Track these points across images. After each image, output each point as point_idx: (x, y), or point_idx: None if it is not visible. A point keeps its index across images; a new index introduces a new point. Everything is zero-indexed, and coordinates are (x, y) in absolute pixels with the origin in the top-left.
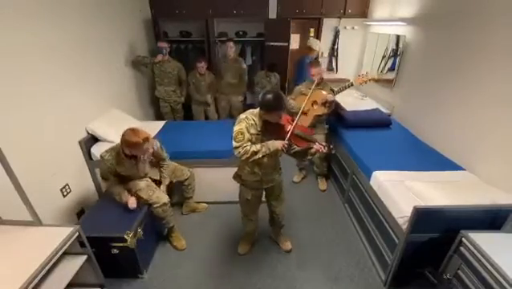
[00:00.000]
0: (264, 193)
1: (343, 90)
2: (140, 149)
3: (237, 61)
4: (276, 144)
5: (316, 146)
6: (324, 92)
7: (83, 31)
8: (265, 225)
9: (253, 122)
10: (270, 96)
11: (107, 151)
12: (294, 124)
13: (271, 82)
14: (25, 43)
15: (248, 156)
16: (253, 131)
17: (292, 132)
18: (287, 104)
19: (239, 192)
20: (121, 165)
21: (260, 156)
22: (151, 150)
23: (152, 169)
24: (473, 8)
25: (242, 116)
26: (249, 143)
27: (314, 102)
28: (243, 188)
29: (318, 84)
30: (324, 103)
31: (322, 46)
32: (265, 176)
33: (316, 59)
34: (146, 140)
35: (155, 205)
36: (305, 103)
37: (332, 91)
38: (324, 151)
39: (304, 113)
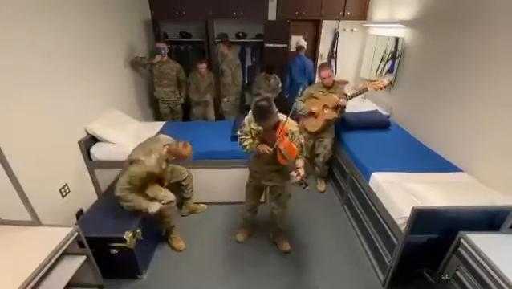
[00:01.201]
0: (268, 191)
1: (356, 95)
2: (180, 159)
3: (235, 60)
4: (259, 147)
5: (292, 173)
6: (335, 96)
7: (82, 31)
8: (264, 226)
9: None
10: (254, 107)
11: (148, 156)
12: (281, 138)
13: (270, 84)
14: (24, 43)
15: (242, 146)
16: (253, 126)
17: (278, 146)
18: (271, 116)
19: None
20: (159, 168)
21: (246, 149)
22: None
23: None
24: (473, 10)
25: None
26: (248, 136)
27: (325, 106)
28: (249, 173)
29: (329, 88)
30: (336, 108)
31: (321, 47)
32: (263, 171)
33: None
34: (189, 155)
35: (162, 202)
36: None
37: (345, 95)
38: (295, 181)
39: (314, 116)
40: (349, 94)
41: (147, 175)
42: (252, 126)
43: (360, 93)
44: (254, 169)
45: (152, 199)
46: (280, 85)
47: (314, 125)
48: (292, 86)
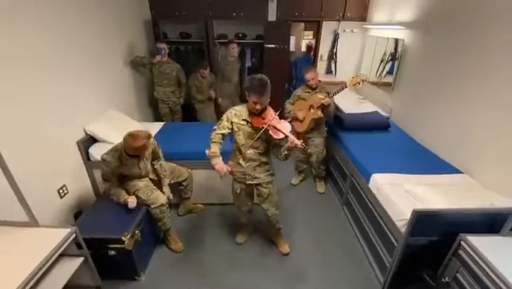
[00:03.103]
0: (256, 194)
1: (337, 92)
2: (144, 150)
3: (238, 62)
4: (215, 162)
5: (290, 139)
6: (320, 96)
7: (82, 31)
8: (264, 227)
9: (237, 112)
10: (250, 78)
11: (108, 153)
12: (273, 117)
13: None
14: (24, 44)
15: (210, 142)
16: (235, 120)
17: (270, 124)
18: (263, 92)
19: (232, 184)
20: (123, 165)
21: (206, 152)
22: (151, 148)
23: (151, 169)
24: (472, 11)
25: (232, 107)
26: (225, 130)
27: (311, 106)
28: (233, 181)
29: (314, 88)
30: (320, 107)
31: (321, 48)
32: (248, 169)
33: (313, 63)
34: (147, 141)
35: (152, 206)
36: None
37: (328, 94)
38: (298, 145)
39: (300, 121)
40: (331, 92)
41: (112, 170)
42: (234, 120)
43: (341, 90)
44: (238, 170)
45: (143, 202)
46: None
47: (301, 126)
48: (298, 83)
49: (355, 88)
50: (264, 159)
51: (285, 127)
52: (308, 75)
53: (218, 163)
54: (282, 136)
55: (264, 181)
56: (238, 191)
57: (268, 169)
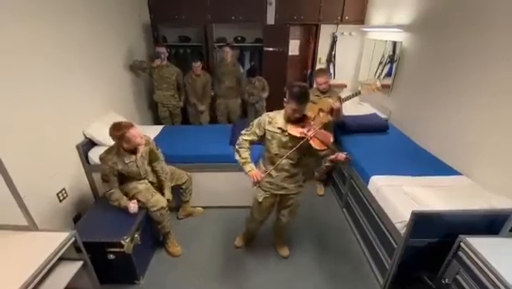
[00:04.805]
0: (277, 200)
1: (350, 98)
2: (130, 136)
3: (234, 65)
4: (249, 169)
5: (335, 154)
6: (330, 100)
7: (81, 34)
8: (262, 231)
9: (271, 119)
10: (290, 86)
11: (106, 152)
12: (314, 127)
13: (256, 87)
14: (23, 47)
15: (235, 149)
16: (269, 127)
17: (314, 134)
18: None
19: (255, 191)
20: (122, 163)
21: (237, 159)
22: (140, 139)
23: (151, 171)
24: (470, 13)
25: (266, 113)
26: (254, 137)
27: (321, 110)
28: (258, 189)
29: (325, 92)
30: (330, 111)
31: (320, 51)
32: (277, 179)
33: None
34: (128, 127)
35: (152, 209)
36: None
37: (339, 98)
38: (343, 158)
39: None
40: (343, 97)
41: (110, 168)
42: (268, 127)
43: (354, 96)
44: (266, 180)
45: (143, 204)
46: (266, 83)
47: None
48: None
49: (367, 93)
50: (295, 170)
51: (327, 137)
52: (320, 80)
53: (252, 170)
54: (325, 147)
55: (292, 192)
56: (261, 200)
57: (298, 180)
